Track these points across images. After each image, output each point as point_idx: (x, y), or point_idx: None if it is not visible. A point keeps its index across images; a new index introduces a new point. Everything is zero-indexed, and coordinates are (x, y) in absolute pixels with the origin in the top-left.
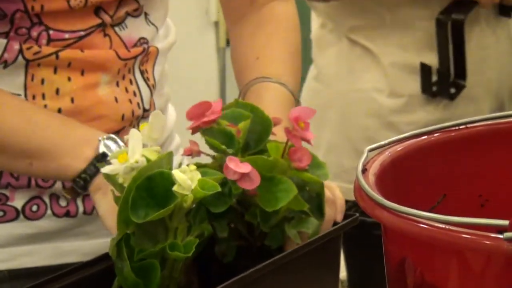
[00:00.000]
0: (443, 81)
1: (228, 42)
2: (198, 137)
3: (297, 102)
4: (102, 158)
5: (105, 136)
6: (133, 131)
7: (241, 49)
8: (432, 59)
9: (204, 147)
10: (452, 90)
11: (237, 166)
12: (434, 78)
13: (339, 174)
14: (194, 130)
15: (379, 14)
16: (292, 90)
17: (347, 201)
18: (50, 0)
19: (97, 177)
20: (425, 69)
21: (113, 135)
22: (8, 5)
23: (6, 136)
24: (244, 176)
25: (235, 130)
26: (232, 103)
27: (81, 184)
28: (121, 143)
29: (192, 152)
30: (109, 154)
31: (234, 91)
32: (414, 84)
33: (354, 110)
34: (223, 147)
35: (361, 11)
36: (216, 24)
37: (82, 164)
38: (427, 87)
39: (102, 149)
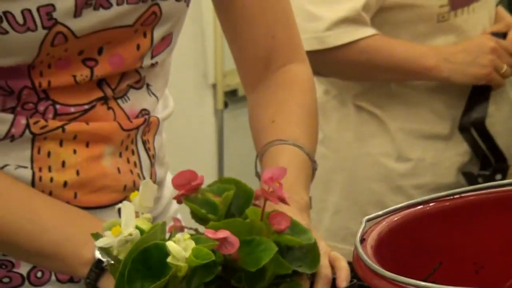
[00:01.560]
0: (486, 173)
1: (225, 104)
2: None
3: (313, 163)
4: (98, 264)
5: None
6: (125, 203)
7: (258, 113)
8: (438, 124)
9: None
10: (498, 177)
11: (214, 233)
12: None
13: (346, 237)
14: (179, 199)
15: (387, 86)
16: (308, 151)
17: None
18: (57, 75)
19: (102, 279)
20: (468, 175)
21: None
22: (16, 82)
23: (14, 235)
24: (223, 241)
25: (218, 200)
26: (217, 180)
27: (90, 284)
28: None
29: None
30: (104, 260)
31: (231, 151)
32: (421, 148)
33: (361, 175)
34: (205, 212)
35: (365, 85)
36: (214, 86)
37: (85, 268)
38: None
39: (97, 255)
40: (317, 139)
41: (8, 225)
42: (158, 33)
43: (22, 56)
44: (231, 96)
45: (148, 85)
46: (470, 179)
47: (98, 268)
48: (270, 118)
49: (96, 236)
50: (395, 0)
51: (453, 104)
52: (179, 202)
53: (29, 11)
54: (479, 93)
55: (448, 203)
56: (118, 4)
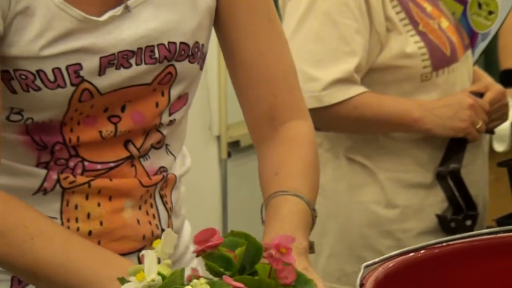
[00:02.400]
0: (458, 217)
1: (229, 154)
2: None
3: (313, 211)
4: None
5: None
6: (147, 252)
7: (263, 166)
8: (421, 174)
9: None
10: (468, 223)
11: (231, 280)
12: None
13: (341, 278)
14: (199, 254)
15: (373, 137)
16: (308, 201)
17: None
18: (85, 131)
19: None
20: (441, 218)
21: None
22: (49, 138)
23: (51, 270)
24: None
25: (233, 255)
26: (229, 233)
27: None
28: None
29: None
30: None
31: (235, 198)
32: (407, 196)
33: (354, 221)
34: (222, 269)
35: (357, 135)
36: (218, 138)
37: None
38: (446, 227)
39: None
40: (317, 189)
41: (51, 263)
42: (175, 92)
43: (54, 111)
44: (234, 146)
45: (167, 145)
46: (443, 222)
47: None
48: (273, 171)
49: (122, 280)
50: (383, 62)
51: (434, 156)
52: (198, 255)
53: (59, 69)
54: (456, 145)
55: (437, 250)
56: (137, 64)
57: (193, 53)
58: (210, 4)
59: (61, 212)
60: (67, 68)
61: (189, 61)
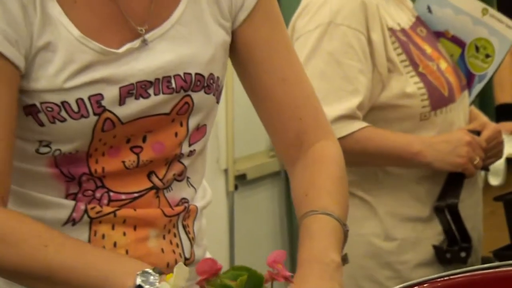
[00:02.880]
0: (453, 249)
1: (236, 187)
2: None
3: (344, 226)
4: None
5: (140, 272)
6: (162, 284)
7: (295, 187)
8: (418, 208)
9: None
10: (463, 254)
11: None
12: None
13: None
14: (201, 284)
15: (373, 173)
16: (337, 217)
17: None
18: (109, 162)
19: None
20: (437, 248)
21: (148, 270)
22: (76, 169)
23: (66, 272)
24: None
25: (235, 284)
26: (230, 268)
27: None
28: (155, 274)
29: None
30: (144, 286)
31: (241, 228)
32: (405, 229)
33: (355, 253)
34: None
35: (358, 169)
36: (226, 171)
37: None
38: (442, 258)
39: (138, 281)
40: (347, 204)
41: (65, 263)
42: (193, 122)
43: (79, 141)
44: (241, 179)
45: (188, 177)
46: (439, 253)
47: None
48: (304, 192)
49: None
50: (384, 101)
51: (431, 192)
52: (201, 286)
53: (82, 100)
54: (454, 180)
55: (440, 284)
56: (155, 94)
57: (208, 84)
58: (225, 39)
59: (89, 242)
60: (89, 98)
61: (205, 92)
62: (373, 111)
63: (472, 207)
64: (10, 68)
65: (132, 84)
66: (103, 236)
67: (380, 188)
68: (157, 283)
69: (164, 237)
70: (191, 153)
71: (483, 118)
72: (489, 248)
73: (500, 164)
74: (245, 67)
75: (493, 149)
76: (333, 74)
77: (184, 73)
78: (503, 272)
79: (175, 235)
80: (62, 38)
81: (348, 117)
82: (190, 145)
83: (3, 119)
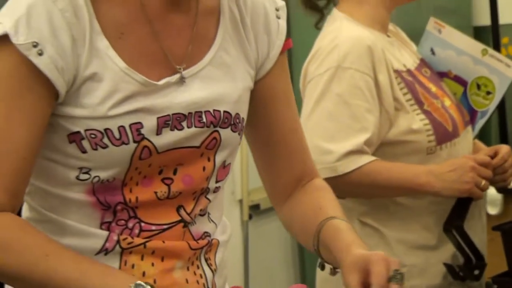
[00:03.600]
0: (467, 267)
1: (250, 216)
2: None
3: None
4: None
5: (133, 284)
6: None
7: (304, 209)
8: (426, 236)
9: None
10: (476, 272)
11: None
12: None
13: None
14: None
15: (383, 204)
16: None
17: None
18: (143, 192)
19: None
20: (448, 266)
21: (141, 282)
22: (112, 198)
23: (65, 281)
24: None
25: None
26: None
27: None
28: (146, 286)
29: None
30: None
31: (255, 256)
32: (414, 256)
33: None
34: None
35: (369, 201)
36: (240, 201)
37: None
38: (455, 275)
39: None
40: None
41: (62, 276)
42: (219, 158)
43: (118, 168)
44: (255, 209)
45: (208, 213)
46: (452, 271)
47: None
48: (317, 206)
49: None
50: (392, 137)
51: (439, 221)
52: None
53: (124, 127)
54: (462, 203)
55: None
56: (188, 127)
57: (235, 122)
58: (250, 85)
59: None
60: (130, 126)
61: (232, 130)
62: (382, 147)
63: (478, 233)
64: (52, 92)
65: (169, 115)
66: (133, 266)
67: (391, 219)
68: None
69: (188, 269)
70: (216, 189)
71: (486, 149)
72: (488, 274)
73: (497, 194)
74: (261, 114)
75: (507, 171)
76: (341, 114)
77: (214, 110)
78: None
79: (198, 267)
80: (108, 69)
81: (356, 152)
82: (217, 181)
83: (33, 135)
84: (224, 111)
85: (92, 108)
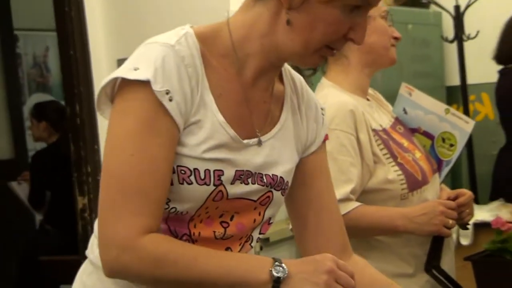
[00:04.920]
0: None
1: (261, 248)
2: None
3: None
4: (277, 279)
5: (272, 267)
6: None
7: (369, 281)
8: (404, 267)
9: None
10: None
11: None
12: None
13: None
14: None
15: (366, 239)
16: None
17: None
18: (204, 229)
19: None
20: None
21: (276, 263)
22: (180, 229)
23: (215, 277)
24: None
25: None
26: None
27: None
28: (285, 267)
29: None
30: (280, 276)
31: None
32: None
33: None
34: None
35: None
36: None
37: (268, 285)
38: None
39: (275, 274)
40: None
41: (211, 273)
42: (267, 214)
43: (193, 203)
44: (265, 242)
45: None
46: None
47: (278, 282)
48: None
49: None
50: (372, 186)
51: (414, 253)
52: None
53: (209, 171)
54: (436, 242)
55: None
56: (252, 183)
57: (285, 188)
58: (297, 160)
59: None
60: (214, 171)
61: (282, 193)
62: (363, 195)
63: (448, 262)
64: (177, 132)
65: (243, 170)
66: None
67: (371, 251)
68: (286, 270)
69: None
70: (258, 239)
71: (449, 191)
72: None
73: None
74: (304, 188)
75: (465, 212)
76: (330, 169)
77: (273, 174)
78: None
79: None
80: (210, 119)
81: (344, 200)
82: (260, 233)
83: (170, 169)
84: (280, 177)
85: (190, 147)
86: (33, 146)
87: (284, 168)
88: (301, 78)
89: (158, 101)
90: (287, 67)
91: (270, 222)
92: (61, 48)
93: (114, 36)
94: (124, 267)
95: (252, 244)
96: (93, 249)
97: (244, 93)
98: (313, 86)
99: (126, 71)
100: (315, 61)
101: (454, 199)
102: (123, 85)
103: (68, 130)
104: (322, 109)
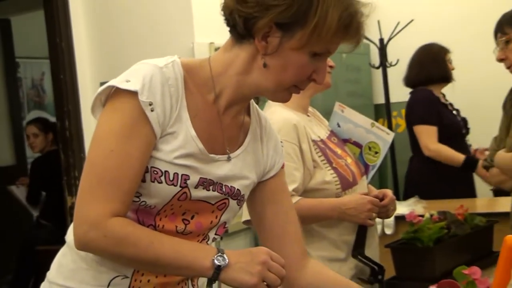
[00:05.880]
0: (373, 275)
1: (221, 238)
2: None
3: None
4: (218, 267)
5: (215, 256)
6: None
7: (329, 282)
8: (338, 253)
9: None
10: (379, 276)
11: None
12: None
13: None
14: None
15: (309, 230)
16: None
17: None
18: (168, 223)
19: (221, 275)
20: (361, 279)
21: (219, 253)
22: (147, 220)
23: (167, 259)
24: None
25: None
26: None
27: (214, 279)
28: (225, 257)
29: None
30: (221, 264)
31: None
32: (329, 266)
33: None
34: None
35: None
36: None
37: (210, 271)
38: (366, 282)
39: (216, 263)
40: None
41: (164, 255)
42: (223, 219)
43: (161, 199)
44: (225, 233)
45: None
46: (364, 281)
47: (218, 269)
48: (345, 282)
49: None
50: (312, 186)
51: (346, 241)
52: None
53: (177, 174)
54: (361, 231)
55: None
56: (213, 190)
57: (240, 199)
58: (255, 181)
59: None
60: (181, 175)
61: (237, 203)
62: (305, 193)
63: (373, 248)
64: (153, 139)
65: (206, 178)
66: (142, 274)
67: (312, 241)
68: (227, 260)
69: (179, 285)
70: (213, 239)
71: (378, 190)
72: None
73: (391, 220)
74: (271, 205)
75: (389, 209)
76: None
77: (231, 185)
78: None
79: (185, 284)
80: (183, 132)
81: None
82: (216, 234)
83: (143, 165)
84: (237, 189)
85: (164, 153)
86: (31, 154)
87: (241, 183)
88: (267, 117)
89: (141, 109)
90: (255, 105)
91: (225, 226)
92: (53, 73)
93: (97, 63)
94: (90, 242)
95: (208, 242)
96: (69, 234)
97: (218, 117)
98: (263, 104)
99: (119, 82)
100: (285, 97)
101: (382, 199)
102: (116, 93)
103: (58, 141)
104: (281, 141)
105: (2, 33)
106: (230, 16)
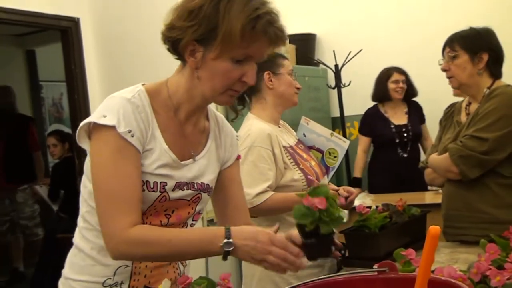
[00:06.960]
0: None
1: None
2: None
3: None
4: (228, 247)
5: (222, 244)
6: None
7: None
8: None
9: None
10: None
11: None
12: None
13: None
14: None
15: (278, 219)
16: None
17: None
18: (153, 219)
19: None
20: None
21: (226, 241)
22: None
23: (184, 250)
24: None
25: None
26: (197, 278)
27: (225, 257)
28: (231, 241)
29: None
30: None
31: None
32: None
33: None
34: None
35: (269, 218)
36: (202, 218)
37: (220, 251)
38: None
39: (225, 240)
40: None
41: (181, 247)
42: (197, 209)
43: (145, 204)
44: (211, 222)
45: None
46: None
47: (227, 253)
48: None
49: None
50: (283, 183)
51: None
52: None
53: (156, 182)
54: None
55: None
56: (187, 189)
57: (210, 190)
58: (217, 172)
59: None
60: (160, 183)
61: (208, 195)
62: (277, 189)
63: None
64: (139, 156)
65: (181, 181)
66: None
67: (283, 227)
68: (233, 245)
69: (171, 265)
70: (191, 225)
71: (345, 187)
72: None
73: (346, 211)
74: (221, 189)
75: (352, 202)
76: (254, 172)
77: (201, 182)
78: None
79: (176, 263)
80: (158, 148)
81: (263, 192)
82: (193, 221)
83: (139, 179)
84: (207, 184)
85: (145, 166)
86: (51, 160)
87: (209, 177)
88: (223, 117)
89: (123, 138)
90: (212, 109)
91: (200, 213)
92: (69, 94)
93: (105, 85)
94: (122, 253)
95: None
96: (76, 237)
97: (181, 128)
98: (242, 117)
99: (97, 118)
100: (226, 100)
101: (347, 197)
102: (96, 127)
103: (73, 149)
104: (237, 135)
105: (28, 61)
106: (165, 43)
